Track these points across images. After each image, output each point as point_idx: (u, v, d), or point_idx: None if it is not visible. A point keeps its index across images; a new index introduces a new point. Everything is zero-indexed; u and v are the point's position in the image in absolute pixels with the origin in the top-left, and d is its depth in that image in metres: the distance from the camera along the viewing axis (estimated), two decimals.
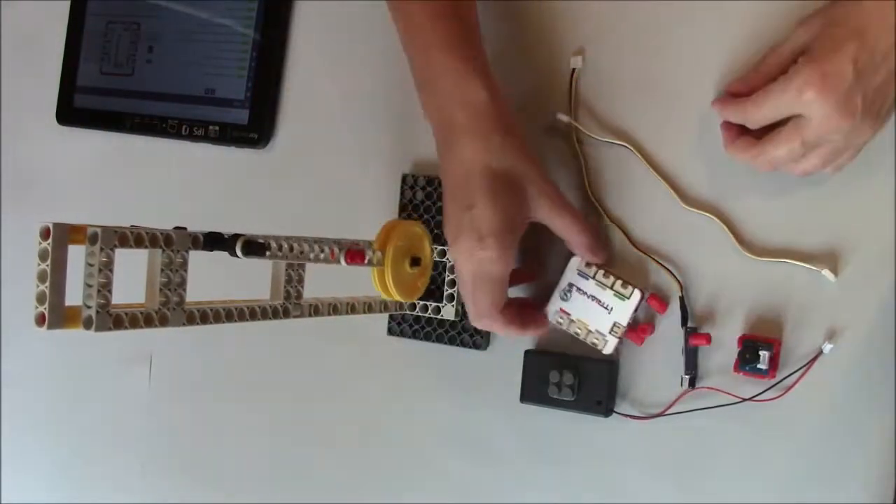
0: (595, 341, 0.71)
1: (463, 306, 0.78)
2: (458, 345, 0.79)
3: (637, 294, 0.70)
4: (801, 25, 0.63)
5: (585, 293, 0.72)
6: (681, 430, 0.72)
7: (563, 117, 0.75)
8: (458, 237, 0.66)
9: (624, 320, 0.70)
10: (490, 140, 0.66)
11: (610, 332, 0.71)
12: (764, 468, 0.69)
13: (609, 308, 0.71)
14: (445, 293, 0.78)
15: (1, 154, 1.06)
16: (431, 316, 0.79)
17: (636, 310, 0.70)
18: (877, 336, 0.66)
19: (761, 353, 0.68)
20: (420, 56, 0.69)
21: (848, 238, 0.68)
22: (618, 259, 0.74)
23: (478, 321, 0.70)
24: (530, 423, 0.77)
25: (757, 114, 0.63)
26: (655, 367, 0.73)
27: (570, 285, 0.72)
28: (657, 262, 0.72)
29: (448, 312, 0.78)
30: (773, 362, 0.68)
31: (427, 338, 0.81)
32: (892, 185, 0.66)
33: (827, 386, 0.68)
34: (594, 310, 0.71)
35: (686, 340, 0.70)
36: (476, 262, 0.66)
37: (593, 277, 0.71)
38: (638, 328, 0.73)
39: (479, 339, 0.79)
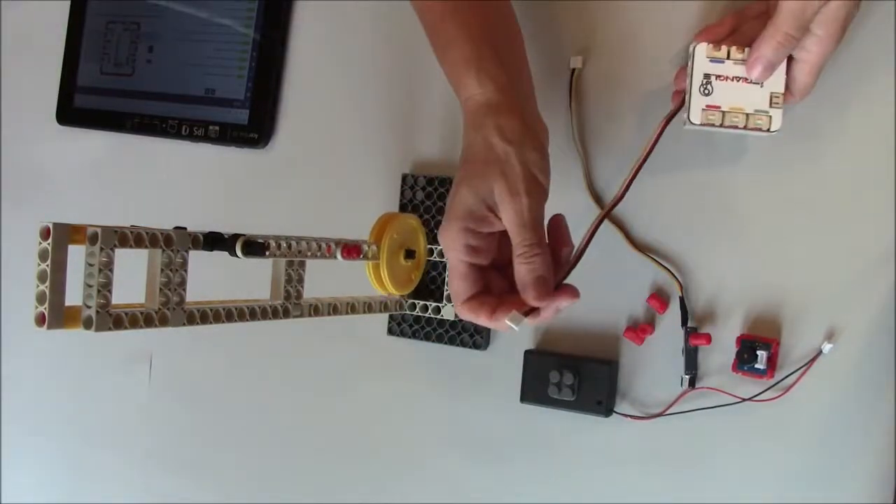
0: (759, 123, 0.64)
1: None
2: (458, 345, 0.79)
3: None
4: None
5: (727, 77, 0.64)
6: (681, 431, 0.72)
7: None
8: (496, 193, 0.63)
9: (780, 87, 0.64)
10: (535, 138, 0.64)
11: (771, 106, 0.64)
12: (764, 468, 0.69)
13: (760, 81, 0.64)
14: (445, 293, 0.78)
15: (1, 154, 1.06)
16: (431, 316, 0.79)
17: (787, 72, 0.64)
18: (877, 336, 0.66)
19: (759, 352, 0.68)
20: (446, 59, 0.69)
21: (848, 238, 0.68)
22: (617, 259, 0.74)
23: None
24: (530, 423, 0.77)
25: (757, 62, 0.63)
26: (655, 367, 0.73)
27: (707, 76, 0.64)
28: (657, 262, 0.72)
29: (448, 312, 0.78)
30: (772, 362, 0.68)
31: (427, 338, 0.81)
32: (892, 184, 0.66)
33: (827, 386, 0.68)
34: (744, 90, 0.64)
35: (686, 340, 0.70)
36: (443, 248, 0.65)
37: (729, 58, 0.64)
38: (638, 328, 0.73)
39: (479, 339, 0.79)
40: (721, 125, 0.64)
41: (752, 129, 0.64)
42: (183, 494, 0.94)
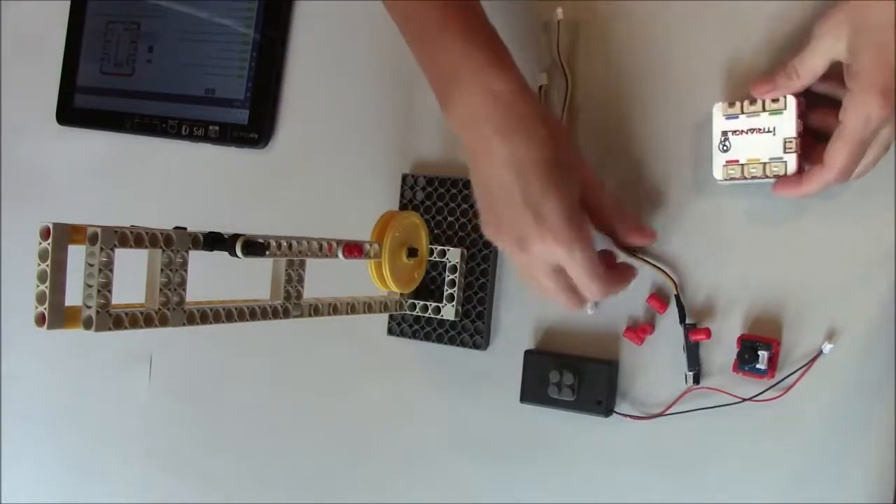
0: (775, 169, 0.65)
1: (462, 306, 0.79)
2: (458, 345, 0.79)
3: (791, 99, 0.65)
4: (825, 31, 0.61)
5: (742, 131, 0.67)
6: (681, 431, 0.72)
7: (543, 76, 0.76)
8: (528, 239, 0.62)
9: (792, 132, 0.65)
10: (534, 133, 0.61)
11: (785, 151, 0.65)
12: (764, 468, 0.69)
13: (772, 129, 0.65)
14: (445, 293, 0.78)
15: (1, 154, 1.06)
16: (431, 316, 0.79)
17: (799, 115, 0.65)
18: (877, 336, 0.66)
19: (760, 353, 0.68)
20: (431, 49, 0.65)
21: (848, 238, 0.68)
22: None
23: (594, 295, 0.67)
24: (530, 423, 0.77)
25: (835, 175, 0.62)
26: (655, 366, 0.73)
27: (724, 133, 0.67)
28: (650, 263, 0.72)
29: (448, 312, 0.78)
30: (772, 362, 0.68)
31: (427, 338, 0.81)
32: (892, 185, 0.66)
33: (827, 386, 0.68)
34: (758, 141, 0.66)
35: (686, 337, 0.70)
36: (561, 257, 0.63)
37: (742, 112, 0.66)
38: (638, 328, 0.73)
39: (479, 339, 0.79)
40: (742, 177, 0.67)
41: (771, 177, 0.66)
42: (183, 494, 0.94)
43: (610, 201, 0.68)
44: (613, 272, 0.69)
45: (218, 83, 0.92)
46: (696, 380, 0.70)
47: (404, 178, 0.82)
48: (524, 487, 0.78)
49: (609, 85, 0.75)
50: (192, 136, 0.93)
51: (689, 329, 0.70)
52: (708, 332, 0.70)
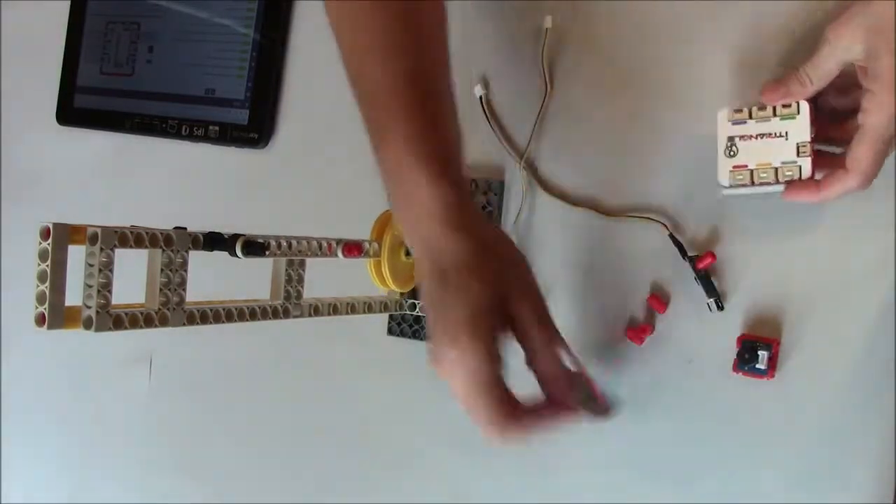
0: (789, 173, 0.63)
1: None
2: None
3: (805, 105, 0.63)
4: (840, 34, 0.60)
5: (751, 136, 0.64)
6: (681, 431, 0.72)
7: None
8: (431, 340, 0.58)
9: (806, 136, 0.63)
10: (454, 239, 0.57)
11: (799, 156, 0.63)
12: (763, 468, 0.69)
13: (784, 134, 0.63)
14: None
15: (1, 154, 1.06)
16: None
17: (812, 121, 0.63)
18: (877, 336, 0.66)
19: (760, 353, 0.68)
20: (377, 146, 0.61)
21: (847, 238, 0.68)
22: (616, 259, 0.74)
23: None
24: None
25: (859, 181, 0.60)
26: (656, 366, 0.73)
27: (731, 139, 0.64)
28: (635, 216, 0.72)
29: None
30: (772, 362, 0.68)
31: (427, 338, 0.80)
32: (893, 185, 0.66)
33: (827, 386, 0.68)
34: (769, 145, 0.63)
35: (694, 269, 0.70)
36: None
37: (751, 117, 0.64)
38: (638, 328, 0.73)
39: None
40: (752, 183, 0.64)
41: (784, 182, 0.63)
42: (183, 494, 0.94)
43: (534, 316, 0.58)
44: (527, 409, 0.58)
45: (218, 83, 0.92)
46: (720, 305, 0.70)
47: None
48: (524, 487, 0.78)
49: (591, 94, 0.76)
50: (192, 136, 0.93)
51: (694, 259, 0.70)
52: (713, 256, 0.70)
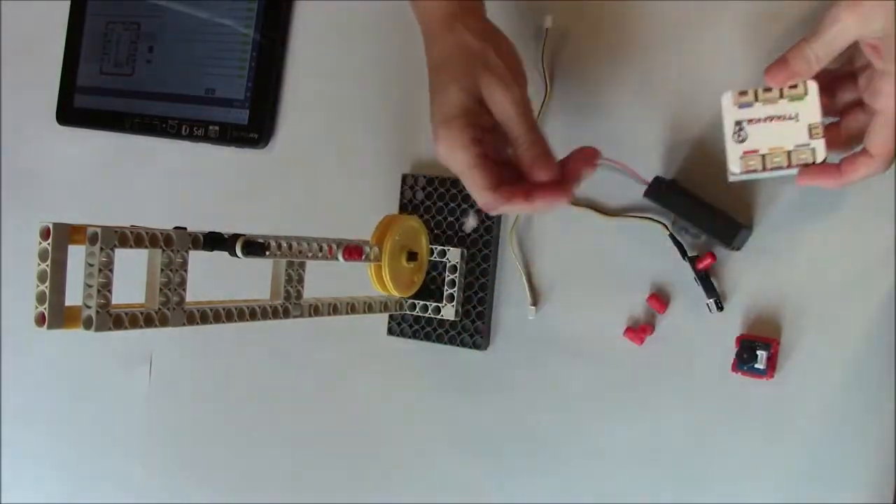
0: (803, 157, 0.61)
1: (462, 306, 0.79)
2: (458, 345, 0.79)
3: (812, 85, 0.60)
4: (851, 9, 0.57)
5: (759, 119, 0.61)
6: (680, 430, 0.72)
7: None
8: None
9: (817, 117, 0.60)
10: (442, 35, 0.65)
11: (812, 137, 0.60)
12: (763, 468, 0.69)
13: (794, 116, 0.61)
14: (445, 293, 0.78)
15: (1, 154, 1.06)
16: (431, 316, 0.79)
17: (821, 99, 0.61)
18: (877, 336, 0.66)
19: (759, 353, 0.68)
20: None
21: (847, 238, 0.68)
22: (616, 259, 0.74)
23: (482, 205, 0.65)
24: (529, 423, 0.77)
25: (883, 165, 0.59)
26: (656, 366, 0.73)
27: (738, 122, 0.62)
28: (635, 216, 0.72)
29: (448, 312, 0.78)
30: (772, 362, 0.68)
31: (427, 338, 0.81)
32: (892, 185, 0.66)
33: (827, 386, 0.68)
34: (780, 128, 0.61)
35: (694, 269, 0.70)
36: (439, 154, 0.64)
37: (757, 100, 0.61)
38: (638, 328, 0.73)
39: (479, 339, 0.79)
40: (764, 169, 0.61)
41: (798, 166, 0.61)
42: (183, 494, 0.94)
43: (507, 108, 0.62)
44: (512, 185, 0.63)
45: (218, 83, 0.92)
46: (719, 305, 0.70)
47: (404, 178, 0.82)
48: (524, 487, 0.78)
49: (591, 94, 0.76)
50: (192, 136, 0.93)
51: (694, 259, 0.70)
52: (713, 256, 0.70)
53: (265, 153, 0.91)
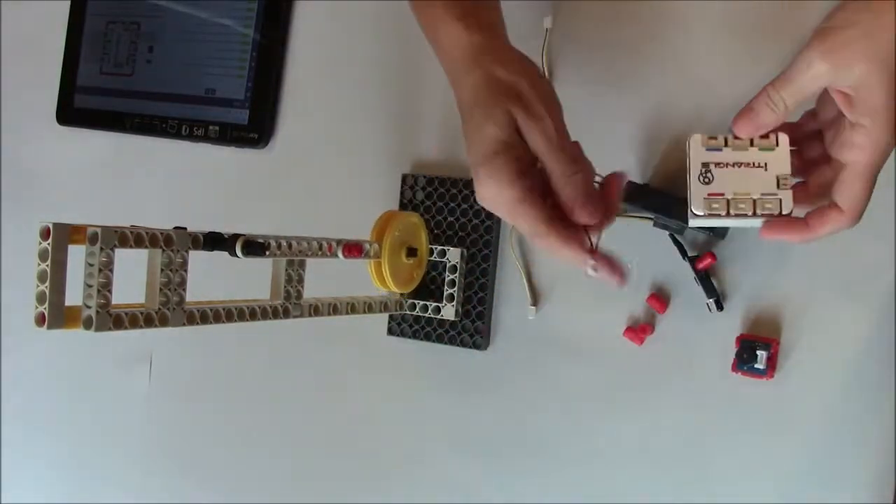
0: (769, 206, 0.59)
1: (462, 306, 0.79)
2: (458, 345, 0.79)
3: (784, 137, 0.59)
4: (823, 56, 0.54)
5: (727, 164, 0.59)
6: (681, 430, 0.72)
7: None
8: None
9: (786, 169, 0.58)
10: (465, 75, 0.61)
11: (780, 188, 0.58)
12: (763, 468, 0.69)
13: (763, 164, 0.59)
14: (445, 293, 0.78)
15: (1, 154, 1.06)
16: (431, 316, 0.79)
17: (790, 155, 0.59)
18: (877, 336, 0.66)
19: (759, 352, 0.68)
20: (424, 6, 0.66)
21: (847, 238, 0.67)
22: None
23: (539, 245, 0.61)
24: (530, 423, 0.77)
25: (854, 220, 0.57)
26: (656, 366, 0.73)
27: (705, 164, 0.59)
28: (635, 216, 0.72)
29: (448, 312, 0.78)
30: (771, 362, 0.68)
31: (427, 338, 0.81)
32: (892, 184, 0.66)
33: (827, 386, 0.68)
34: (747, 175, 0.59)
35: (694, 269, 0.70)
36: (480, 198, 0.60)
37: (726, 145, 0.59)
38: (638, 328, 0.73)
39: (479, 339, 0.79)
40: (727, 214, 0.59)
41: (763, 216, 0.59)
42: (183, 494, 0.94)
43: (545, 145, 0.59)
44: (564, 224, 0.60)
45: (218, 83, 0.92)
46: (719, 305, 0.70)
47: (404, 178, 0.82)
48: (524, 487, 0.78)
49: (591, 94, 0.76)
50: (192, 136, 0.93)
51: (694, 259, 0.70)
52: (713, 256, 0.70)
53: (265, 153, 0.91)
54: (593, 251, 0.60)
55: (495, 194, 0.59)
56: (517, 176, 0.58)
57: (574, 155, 0.59)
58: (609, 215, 0.61)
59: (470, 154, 0.60)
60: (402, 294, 0.78)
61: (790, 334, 0.69)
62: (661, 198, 0.70)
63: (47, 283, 0.51)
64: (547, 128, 0.58)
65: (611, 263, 0.60)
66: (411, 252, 0.75)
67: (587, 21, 0.76)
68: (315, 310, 0.69)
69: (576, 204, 0.59)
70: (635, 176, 0.73)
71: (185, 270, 0.59)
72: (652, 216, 0.71)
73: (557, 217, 0.59)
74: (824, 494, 0.67)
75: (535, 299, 0.78)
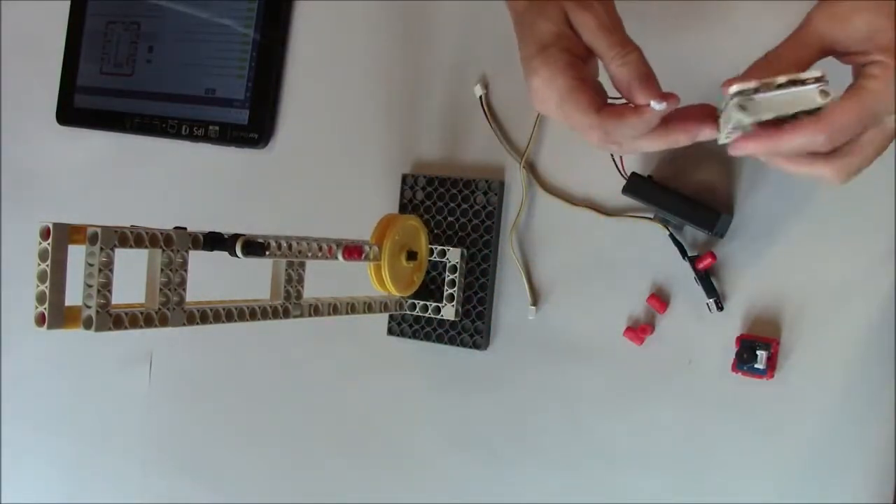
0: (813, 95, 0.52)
1: (462, 306, 0.79)
2: (458, 345, 0.79)
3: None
4: (826, 15, 0.54)
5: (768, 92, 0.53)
6: (680, 430, 0.72)
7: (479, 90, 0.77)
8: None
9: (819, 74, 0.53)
10: None
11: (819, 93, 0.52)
12: (763, 468, 0.69)
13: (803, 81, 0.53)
14: (445, 293, 0.78)
15: (1, 154, 1.06)
16: (431, 316, 0.79)
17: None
18: (877, 336, 0.66)
19: (759, 352, 0.68)
20: None
21: (847, 238, 0.68)
22: (616, 259, 0.74)
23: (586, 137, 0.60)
24: (530, 423, 0.77)
25: (827, 134, 0.53)
26: (656, 366, 0.73)
27: (741, 105, 0.54)
28: (635, 216, 0.72)
29: (448, 312, 0.78)
30: (771, 362, 0.68)
31: (427, 338, 0.81)
32: (892, 184, 0.66)
33: (827, 386, 0.68)
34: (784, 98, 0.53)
35: (694, 269, 0.70)
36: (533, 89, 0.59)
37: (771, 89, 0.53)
38: (638, 328, 0.73)
39: (479, 339, 0.79)
40: (760, 89, 0.53)
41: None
42: (183, 494, 0.94)
43: (596, 29, 0.58)
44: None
45: (218, 83, 0.92)
46: (719, 305, 0.70)
47: (404, 178, 0.82)
48: (524, 487, 0.78)
49: None
50: (192, 136, 0.93)
51: (694, 259, 0.70)
52: (713, 256, 0.70)
53: (265, 153, 0.91)
54: (662, 94, 0.57)
55: (547, 83, 0.58)
56: (569, 65, 0.58)
57: (624, 37, 0.59)
58: (670, 97, 0.57)
59: (522, 51, 0.60)
60: (403, 295, 0.78)
61: (790, 334, 0.69)
62: (665, 192, 0.70)
63: (47, 283, 0.51)
64: (597, 12, 0.59)
65: (668, 95, 0.58)
66: (411, 255, 0.75)
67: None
68: (315, 310, 0.69)
69: (632, 84, 0.58)
70: (637, 168, 0.73)
71: (185, 270, 0.59)
72: (653, 211, 0.71)
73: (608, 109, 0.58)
74: (824, 494, 0.67)
75: (535, 299, 0.78)
